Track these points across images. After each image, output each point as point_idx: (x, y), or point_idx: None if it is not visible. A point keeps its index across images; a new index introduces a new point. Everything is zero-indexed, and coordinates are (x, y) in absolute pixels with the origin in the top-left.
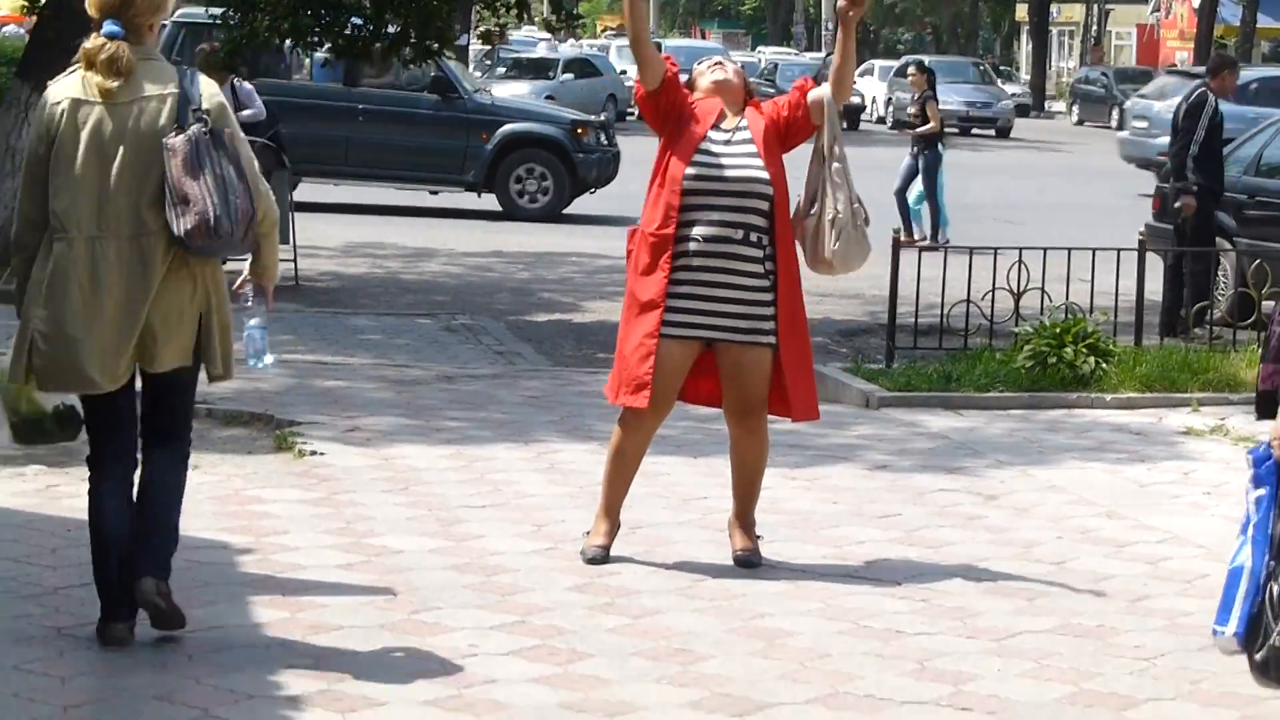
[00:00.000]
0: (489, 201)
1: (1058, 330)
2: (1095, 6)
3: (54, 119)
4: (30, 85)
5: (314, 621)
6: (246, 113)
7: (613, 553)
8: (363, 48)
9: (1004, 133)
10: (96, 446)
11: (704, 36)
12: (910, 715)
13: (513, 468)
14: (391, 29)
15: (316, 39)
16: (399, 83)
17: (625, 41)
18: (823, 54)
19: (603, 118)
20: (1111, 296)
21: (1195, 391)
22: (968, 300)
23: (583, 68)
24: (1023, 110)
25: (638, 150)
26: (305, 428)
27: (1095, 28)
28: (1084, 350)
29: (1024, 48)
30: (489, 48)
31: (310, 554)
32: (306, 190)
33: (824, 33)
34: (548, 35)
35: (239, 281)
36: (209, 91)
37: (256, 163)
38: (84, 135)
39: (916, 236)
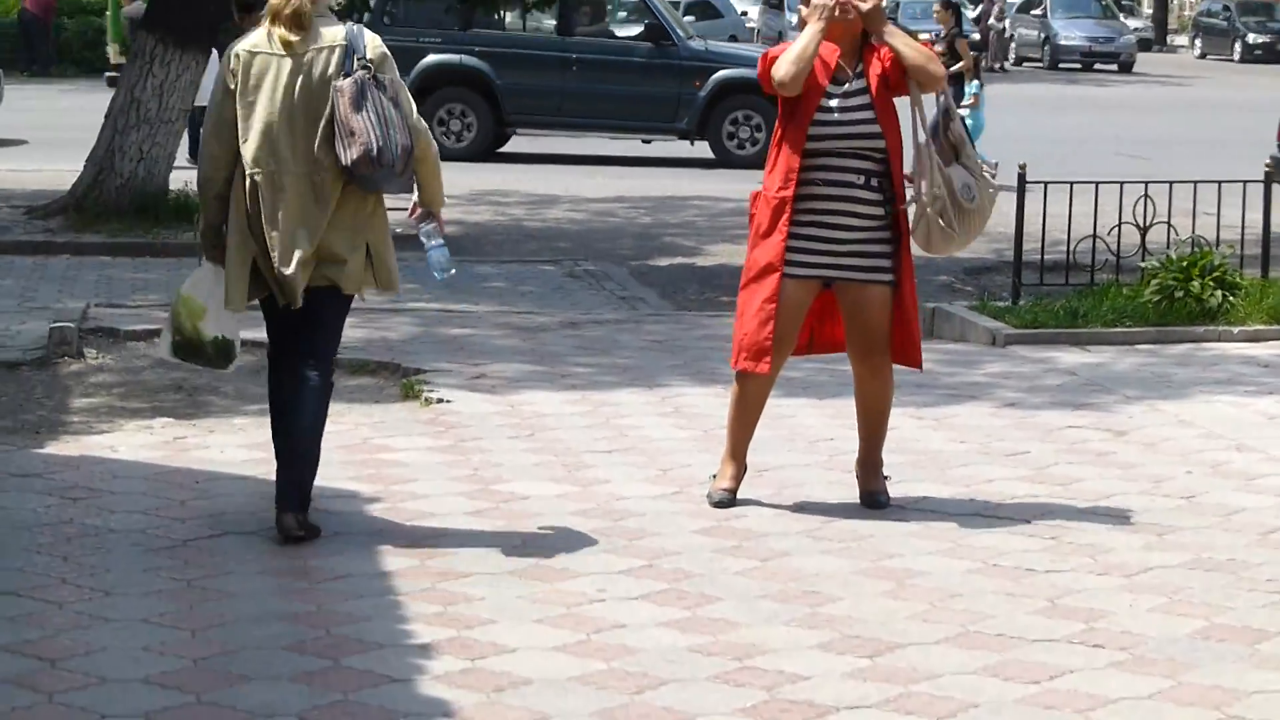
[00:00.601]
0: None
1: (1184, 264)
2: None
3: (239, 69)
4: (155, 38)
5: (443, 569)
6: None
7: (740, 496)
8: None
9: (1126, 67)
10: (277, 349)
11: None
12: (1042, 653)
13: (638, 412)
14: None
15: None
16: (612, 30)
17: None
18: None
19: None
20: (1238, 230)
21: None
22: (1094, 235)
23: (704, 10)
24: (1145, 45)
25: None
26: (431, 376)
27: None
28: (1211, 284)
29: None
30: None
31: (438, 501)
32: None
33: None
34: None
35: (411, 210)
36: (373, 43)
37: (414, 105)
38: (266, 83)
39: None
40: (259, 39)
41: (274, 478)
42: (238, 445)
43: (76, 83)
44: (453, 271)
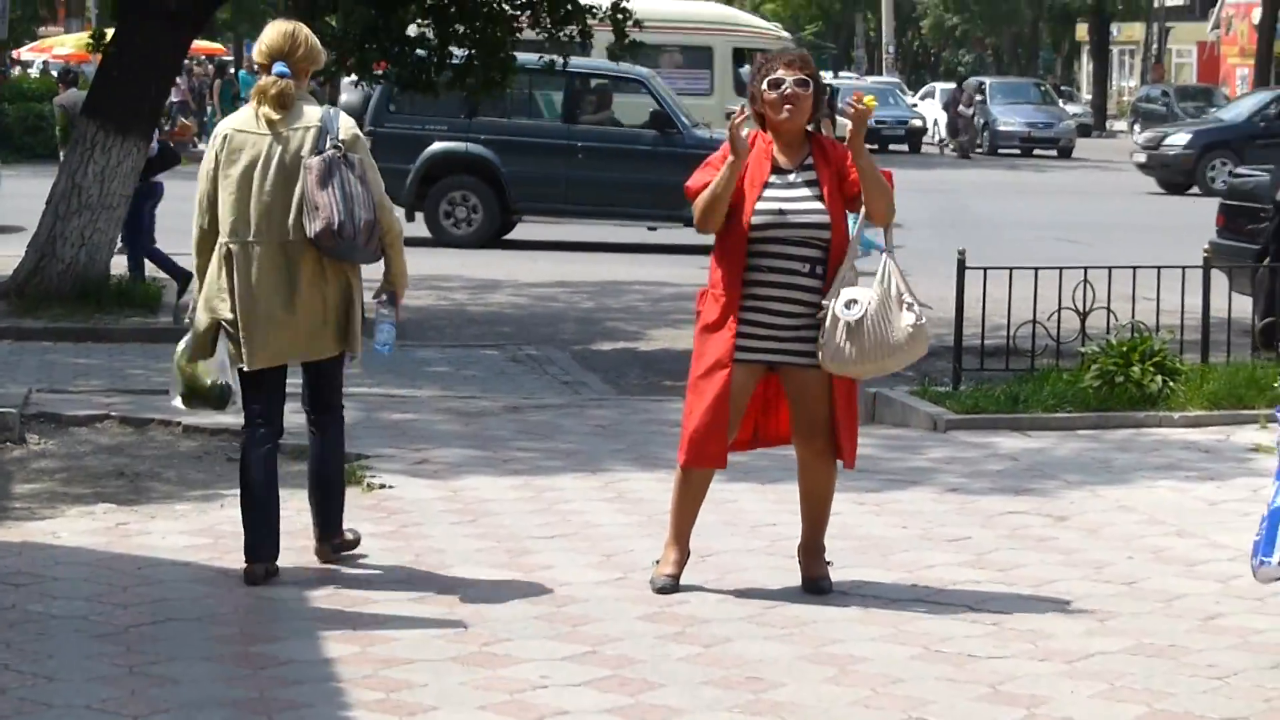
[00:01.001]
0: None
1: (1124, 349)
2: (1155, 25)
3: (222, 146)
4: (96, 124)
5: (385, 655)
6: None
7: (683, 581)
8: (427, 80)
9: (1066, 153)
10: (252, 411)
11: None
12: None
13: (581, 497)
14: (456, 60)
15: (381, 73)
16: (618, 119)
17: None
18: (885, 77)
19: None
20: (1177, 315)
21: (1263, 408)
22: (1034, 320)
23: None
24: (1085, 130)
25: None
26: (374, 460)
27: (1156, 46)
28: (1151, 369)
29: (1085, 67)
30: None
31: (381, 587)
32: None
33: (885, 56)
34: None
35: (377, 290)
36: (346, 125)
37: (381, 184)
38: (245, 158)
39: None
40: (245, 118)
41: (214, 563)
42: (180, 531)
43: (18, 168)
44: (390, 350)
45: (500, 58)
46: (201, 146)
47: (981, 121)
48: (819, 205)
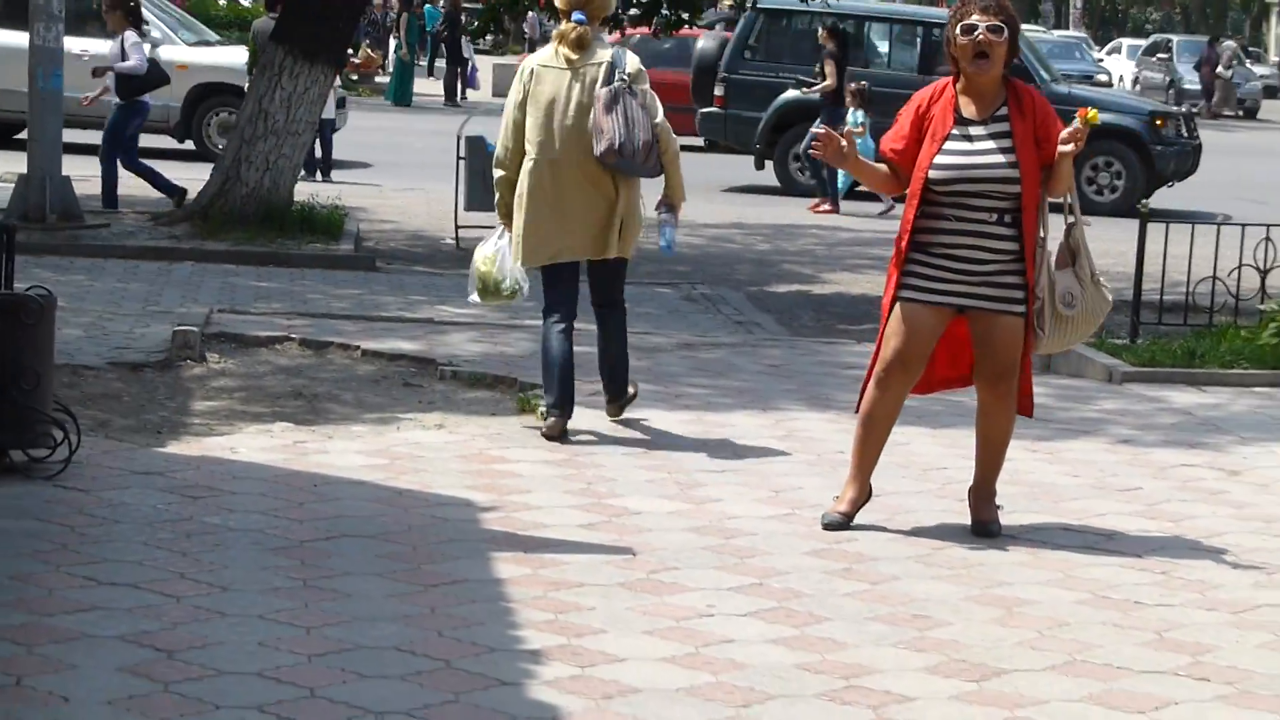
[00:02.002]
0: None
1: None
2: None
3: (531, 77)
4: (284, 51)
5: (554, 579)
6: (127, 64)
7: (854, 521)
8: (614, 16)
9: (1251, 114)
10: (550, 301)
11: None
12: (1148, 684)
13: (752, 435)
14: None
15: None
16: None
17: None
18: (1072, 31)
19: (1184, 108)
20: None
21: None
22: (1213, 277)
23: None
24: (1271, 91)
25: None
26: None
27: None
28: None
29: (1273, 29)
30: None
31: (552, 513)
32: None
33: (1073, 10)
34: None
35: (658, 201)
36: (632, 61)
37: (661, 110)
38: (550, 89)
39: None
40: (548, 55)
41: (389, 483)
42: (356, 451)
43: None
44: (671, 250)
45: None
46: (381, 79)
47: (1167, 80)
48: (1003, 159)
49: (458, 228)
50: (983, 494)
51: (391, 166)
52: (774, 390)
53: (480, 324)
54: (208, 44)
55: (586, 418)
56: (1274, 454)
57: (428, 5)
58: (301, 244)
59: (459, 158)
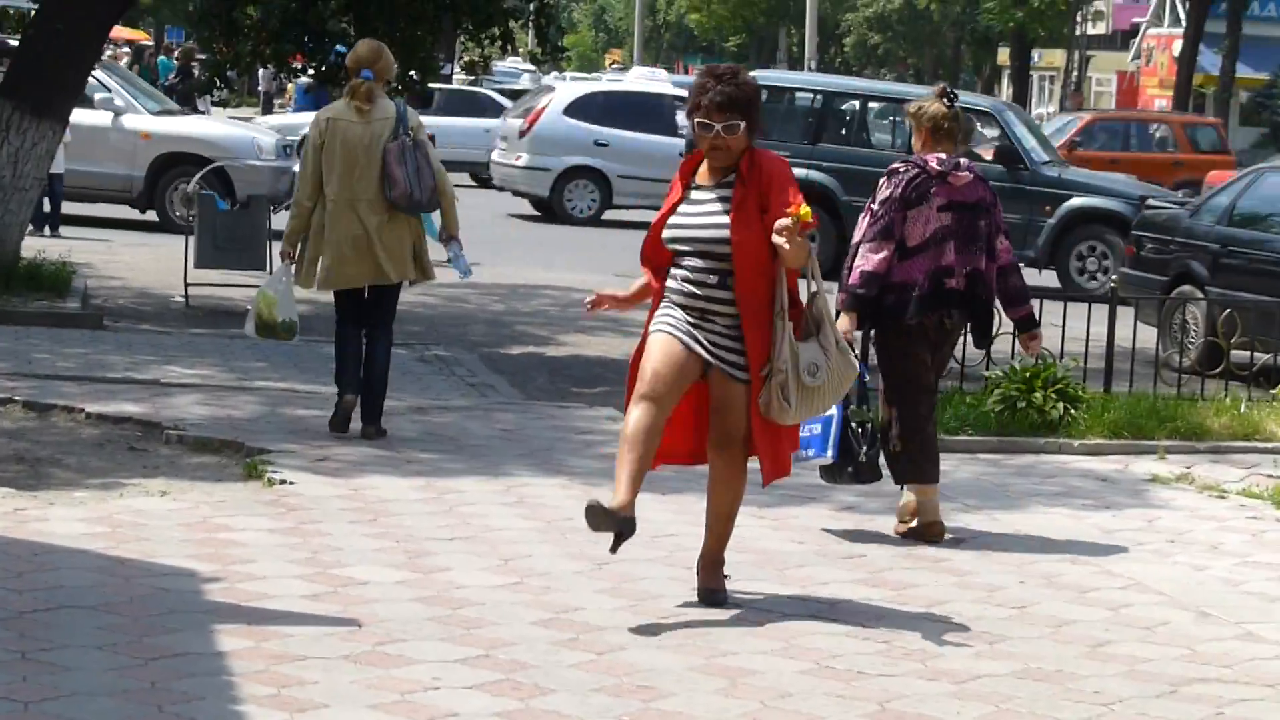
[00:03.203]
0: None
1: (1027, 375)
2: (1076, 52)
3: (327, 127)
4: (12, 106)
5: (278, 651)
6: None
7: (577, 589)
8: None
9: None
10: (342, 316)
11: (686, 71)
12: None
13: (482, 501)
14: None
15: (299, 65)
16: (975, 152)
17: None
18: None
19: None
20: (1082, 344)
21: (1162, 439)
22: None
23: (468, 105)
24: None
25: None
26: (275, 456)
27: (1076, 73)
28: (1053, 396)
29: (1005, 92)
30: (472, 78)
31: (276, 583)
32: None
33: (807, 68)
34: (532, 67)
35: (439, 234)
36: (413, 115)
37: (437, 157)
38: (342, 139)
39: None
40: (339, 109)
41: (111, 552)
42: (78, 519)
43: None
44: (471, 274)
45: (421, 58)
46: None
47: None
48: (716, 222)
49: (187, 285)
50: (711, 562)
51: (121, 222)
52: (506, 455)
53: (207, 386)
54: (171, 113)
55: (313, 484)
56: (996, 521)
57: (161, 57)
58: (28, 301)
59: (189, 215)
